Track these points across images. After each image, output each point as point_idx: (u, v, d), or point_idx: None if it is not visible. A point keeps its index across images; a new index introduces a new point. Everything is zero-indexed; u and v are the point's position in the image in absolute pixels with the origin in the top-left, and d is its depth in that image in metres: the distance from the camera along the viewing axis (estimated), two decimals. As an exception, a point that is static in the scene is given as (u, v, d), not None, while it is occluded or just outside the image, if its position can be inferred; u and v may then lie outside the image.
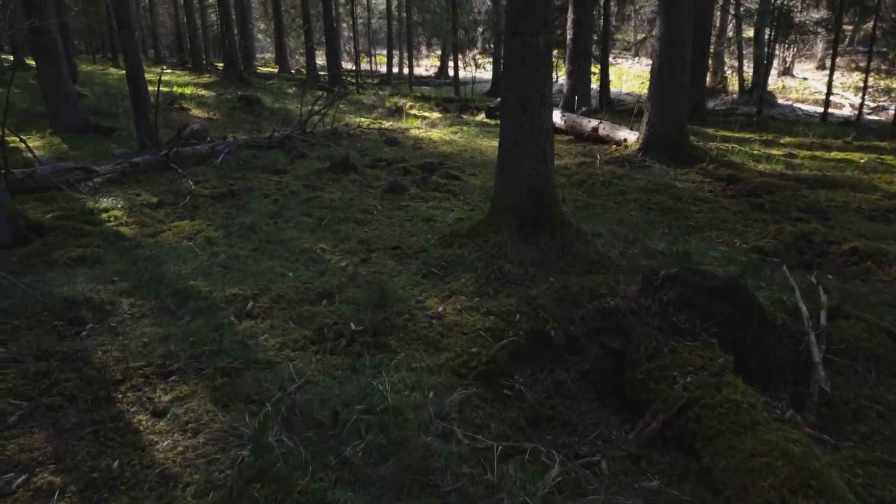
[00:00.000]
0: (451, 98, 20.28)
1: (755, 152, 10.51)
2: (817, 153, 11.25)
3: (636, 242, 5.58)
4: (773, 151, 10.97)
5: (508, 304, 4.08)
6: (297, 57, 38.27)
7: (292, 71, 31.99)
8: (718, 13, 21.79)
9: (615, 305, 3.21)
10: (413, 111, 16.33)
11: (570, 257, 4.98)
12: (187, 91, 15.66)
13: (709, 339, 3.12)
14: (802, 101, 25.36)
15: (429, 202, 6.83)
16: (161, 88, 16.70)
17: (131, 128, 9.40)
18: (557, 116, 12.16)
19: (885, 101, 23.40)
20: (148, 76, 9.67)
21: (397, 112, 15.61)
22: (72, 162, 7.15)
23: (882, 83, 22.85)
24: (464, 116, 15.17)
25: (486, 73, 30.34)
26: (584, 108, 12.41)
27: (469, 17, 26.30)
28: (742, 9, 23.40)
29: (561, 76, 20.40)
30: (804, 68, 34.11)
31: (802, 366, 3.33)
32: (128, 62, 8.35)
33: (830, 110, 25.29)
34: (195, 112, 13.24)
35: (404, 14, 30.95)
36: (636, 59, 39.47)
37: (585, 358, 3.14)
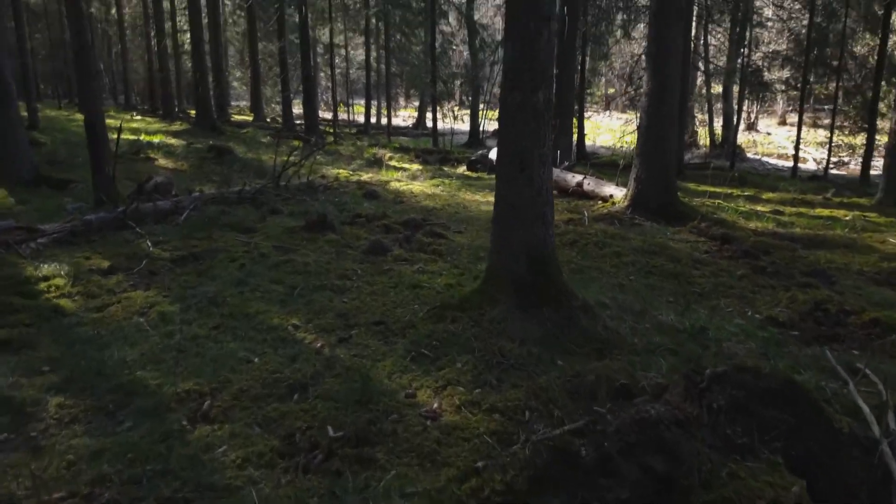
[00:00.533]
0: (431, 149, 19.98)
1: (742, 209, 10.20)
2: (802, 210, 11.00)
3: (645, 315, 5.04)
4: (759, 208, 10.69)
5: (515, 398, 3.47)
6: (272, 105, 38.00)
7: (268, 120, 31.64)
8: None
9: (656, 415, 2.62)
10: (393, 162, 15.91)
11: (576, 334, 4.41)
12: (155, 139, 15.06)
13: (773, 457, 2.55)
14: (769, 155, 25.73)
15: (414, 265, 6.25)
16: (127, 137, 16.07)
17: (90, 179, 8.73)
18: (541, 170, 11.79)
19: (845, 156, 23.93)
20: (113, 122, 9.06)
21: (376, 163, 15.18)
22: (12, 220, 6.43)
23: (843, 139, 23.34)
24: (445, 169, 14.77)
25: (464, 125, 30.35)
26: (566, 163, 12.08)
27: (448, 70, 26.32)
28: (711, 66, 23.79)
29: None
30: (767, 124, 35.07)
31: (879, 484, 2.77)
32: (86, 108, 7.71)
33: (786, 163, 25.80)
34: (162, 162, 12.62)
35: (383, 65, 31.00)
36: (607, 112, 40.03)
37: (622, 482, 2.53)
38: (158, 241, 6.86)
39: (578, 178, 10.83)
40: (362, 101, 37.52)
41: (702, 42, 20.56)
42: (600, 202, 10.16)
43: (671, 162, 8.78)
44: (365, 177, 12.51)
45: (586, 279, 6.11)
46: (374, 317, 4.82)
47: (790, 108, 34.52)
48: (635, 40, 22.33)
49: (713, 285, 6.16)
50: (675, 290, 6.01)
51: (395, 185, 11.66)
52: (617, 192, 9.85)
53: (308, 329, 4.57)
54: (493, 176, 13.80)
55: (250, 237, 7.12)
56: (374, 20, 31.07)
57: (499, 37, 29.11)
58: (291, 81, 26.74)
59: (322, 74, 40.44)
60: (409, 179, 12.83)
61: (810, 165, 24.81)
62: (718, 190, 12.56)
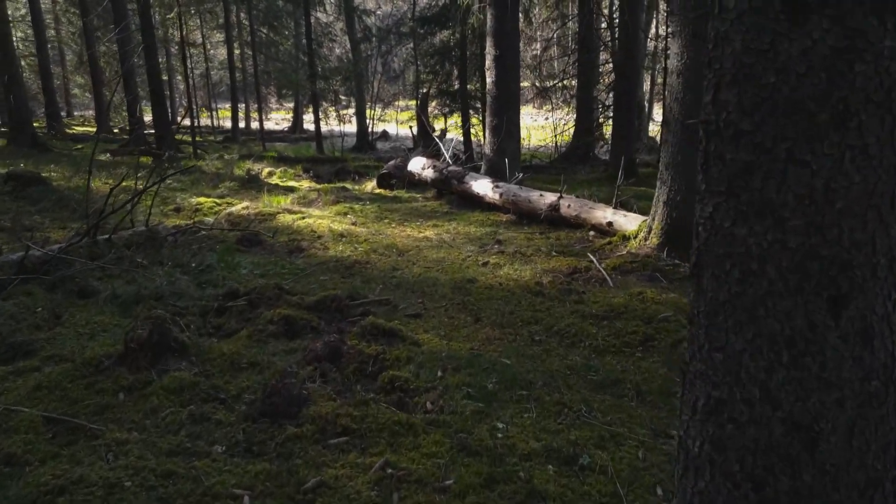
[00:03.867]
0: (319, 158, 16.35)
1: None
2: None
3: None
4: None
5: None
6: (123, 113, 32.48)
7: (115, 130, 26.50)
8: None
9: None
10: (275, 180, 12.14)
11: None
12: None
13: None
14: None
15: (366, 452, 2.81)
16: None
17: None
18: (488, 186, 8.63)
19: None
20: None
21: (252, 183, 11.35)
22: None
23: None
24: (347, 187, 11.22)
25: (348, 127, 26.71)
26: (518, 175, 8.98)
27: (327, 65, 22.61)
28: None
29: (453, 132, 17.25)
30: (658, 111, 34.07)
31: None
32: None
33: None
34: (-82, 205, 8.22)
35: (249, 64, 26.74)
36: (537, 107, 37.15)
37: None
38: None
39: (550, 196, 7.74)
40: (228, 105, 32.77)
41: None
42: (592, 233, 7.13)
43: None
44: (238, 207, 8.74)
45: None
46: None
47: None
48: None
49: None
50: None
51: (284, 218, 8.03)
52: (618, 219, 6.86)
53: None
54: (417, 195, 10.48)
55: (2, 382, 3.38)
56: (235, 12, 26.73)
57: (382, 23, 25.76)
58: (141, 83, 21.90)
59: (179, 77, 35.10)
60: (302, 206, 9.21)
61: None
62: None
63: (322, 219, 8.07)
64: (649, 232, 6.10)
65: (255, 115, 27.90)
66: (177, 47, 29.96)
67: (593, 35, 18.03)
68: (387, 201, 9.84)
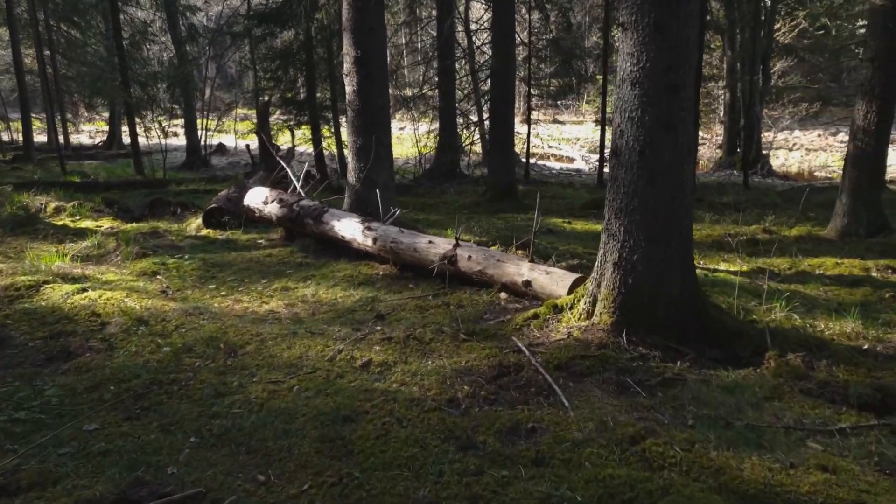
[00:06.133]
0: (136, 181, 13.37)
1: (734, 279, 6.10)
2: (784, 260, 7.05)
3: None
4: (727, 267, 6.77)
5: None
6: None
7: None
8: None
9: None
10: (63, 219, 9.16)
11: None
12: None
13: None
14: (542, 158, 23.32)
15: None
16: None
17: None
18: (357, 228, 6.52)
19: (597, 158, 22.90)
20: None
21: (29, 225, 8.35)
22: None
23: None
24: (160, 227, 8.51)
25: (178, 140, 23.22)
26: (395, 212, 6.93)
27: (146, 69, 19.19)
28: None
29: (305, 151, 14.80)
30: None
31: None
32: None
33: (566, 165, 23.87)
34: None
35: (48, 68, 22.37)
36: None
37: None
38: None
39: (443, 244, 5.79)
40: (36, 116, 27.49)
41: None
42: (504, 295, 5.26)
43: (688, 221, 4.13)
44: (-12, 273, 5.90)
45: None
46: None
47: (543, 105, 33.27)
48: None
49: None
50: None
51: (54, 292, 5.35)
52: (538, 276, 5.05)
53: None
54: (258, 238, 7.89)
55: None
56: (27, 5, 22.22)
57: (213, 23, 22.64)
58: None
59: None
60: (89, 265, 6.53)
61: (580, 165, 23.04)
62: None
63: (115, 288, 5.52)
64: (594, 303, 4.30)
65: (60, 127, 23.44)
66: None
67: (454, 41, 16.54)
68: (216, 249, 7.37)
